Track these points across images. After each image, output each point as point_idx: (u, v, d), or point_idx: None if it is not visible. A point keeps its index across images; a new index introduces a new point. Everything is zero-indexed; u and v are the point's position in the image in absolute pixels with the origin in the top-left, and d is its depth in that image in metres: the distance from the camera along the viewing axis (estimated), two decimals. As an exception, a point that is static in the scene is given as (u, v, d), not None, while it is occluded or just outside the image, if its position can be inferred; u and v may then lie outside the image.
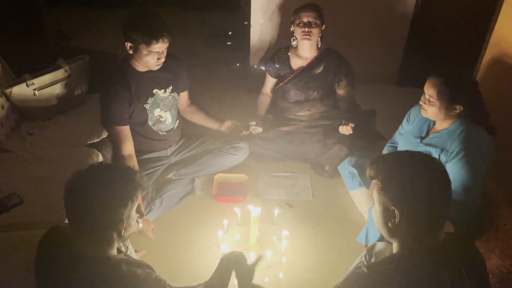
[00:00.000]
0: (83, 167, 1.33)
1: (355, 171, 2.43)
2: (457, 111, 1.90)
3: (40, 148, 2.26)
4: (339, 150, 2.64)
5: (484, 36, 2.59)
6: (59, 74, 2.46)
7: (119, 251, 1.39)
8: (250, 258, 2.09)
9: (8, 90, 2.29)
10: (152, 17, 2.15)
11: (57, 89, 2.46)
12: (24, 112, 2.42)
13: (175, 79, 2.44)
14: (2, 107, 2.29)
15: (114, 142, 2.32)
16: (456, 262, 1.19)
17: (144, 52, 2.15)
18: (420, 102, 1.99)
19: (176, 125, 2.54)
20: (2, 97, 2.29)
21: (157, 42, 2.12)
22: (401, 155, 1.32)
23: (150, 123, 2.41)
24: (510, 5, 2.38)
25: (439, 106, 1.90)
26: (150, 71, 2.30)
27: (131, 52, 2.19)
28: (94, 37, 4.29)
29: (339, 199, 2.57)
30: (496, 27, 2.47)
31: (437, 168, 1.25)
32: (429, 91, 1.91)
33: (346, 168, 2.48)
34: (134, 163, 2.28)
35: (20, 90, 2.32)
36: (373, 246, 1.45)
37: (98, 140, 2.33)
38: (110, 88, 2.24)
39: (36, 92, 2.36)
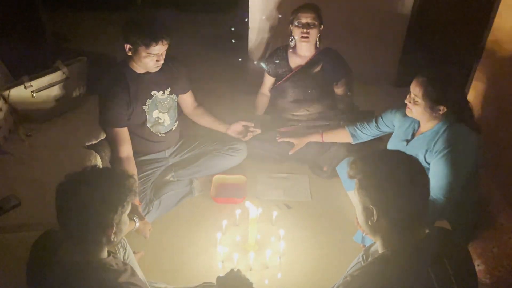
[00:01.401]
0: (79, 169, 1.32)
1: (353, 171, 2.43)
2: (441, 112, 1.91)
3: (38, 150, 2.26)
4: (337, 151, 2.65)
5: (482, 36, 2.59)
6: (57, 76, 2.45)
7: (108, 253, 1.37)
8: (249, 258, 2.10)
9: (6, 92, 2.29)
10: (152, 19, 2.17)
11: (55, 91, 2.46)
12: (22, 114, 2.42)
13: (174, 81, 2.44)
14: (0, 110, 2.29)
15: (112, 144, 2.32)
16: (440, 257, 1.20)
17: (143, 54, 2.16)
18: (406, 101, 2.00)
19: (175, 126, 2.54)
20: (0, 99, 2.29)
21: (157, 44, 2.12)
22: (378, 154, 1.33)
23: (148, 124, 2.41)
24: (507, 5, 2.38)
25: (424, 106, 1.91)
26: (148, 73, 2.30)
27: (130, 54, 2.19)
28: (92, 39, 4.27)
29: (338, 199, 2.57)
30: (493, 26, 2.48)
31: (414, 166, 1.25)
32: (415, 90, 1.92)
33: (344, 169, 2.48)
34: (132, 165, 2.28)
35: (18, 92, 2.32)
36: (370, 246, 1.46)
37: (96, 142, 2.34)
38: (108, 89, 2.25)
39: (34, 94, 2.36)
